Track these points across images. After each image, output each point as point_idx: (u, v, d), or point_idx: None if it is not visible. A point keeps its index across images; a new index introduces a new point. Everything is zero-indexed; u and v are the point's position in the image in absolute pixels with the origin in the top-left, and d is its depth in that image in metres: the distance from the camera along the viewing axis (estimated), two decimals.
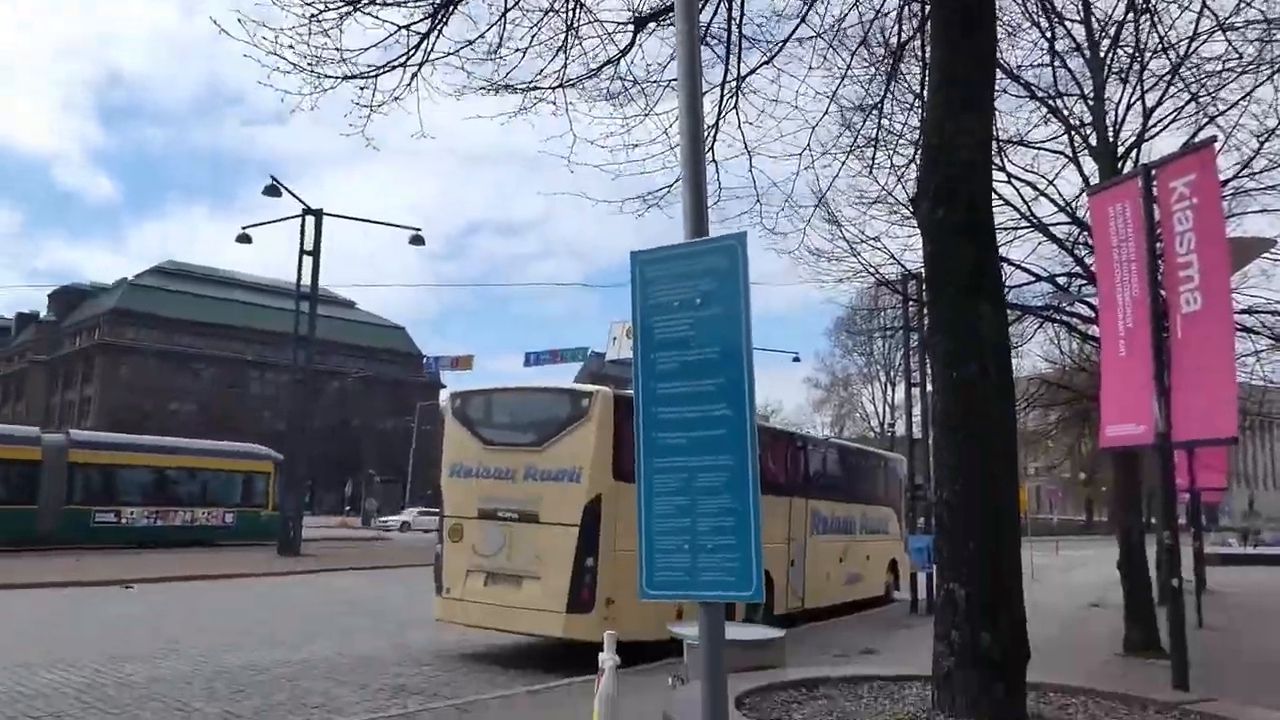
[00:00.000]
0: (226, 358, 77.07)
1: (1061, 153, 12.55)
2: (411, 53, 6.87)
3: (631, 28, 7.48)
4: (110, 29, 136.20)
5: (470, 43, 7.06)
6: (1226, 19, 9.26)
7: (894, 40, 8.64)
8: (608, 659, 3.23)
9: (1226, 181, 10.80)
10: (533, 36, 7.22)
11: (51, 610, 13.53)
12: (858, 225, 12.38)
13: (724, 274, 2.00)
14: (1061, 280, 13.63)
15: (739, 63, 7.78)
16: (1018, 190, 12.20)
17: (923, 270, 15.11)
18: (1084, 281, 13.02)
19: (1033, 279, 13.38)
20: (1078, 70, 11.89)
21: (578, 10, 7.33)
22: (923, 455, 21.21)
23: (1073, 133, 12.28)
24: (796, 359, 49.89)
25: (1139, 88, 11.66)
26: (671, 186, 7.78)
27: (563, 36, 7.35)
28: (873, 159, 9.38)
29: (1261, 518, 66.65)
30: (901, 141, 9.69)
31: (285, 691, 8.40)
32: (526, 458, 10.66)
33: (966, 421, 3.14)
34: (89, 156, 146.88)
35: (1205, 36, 10.23)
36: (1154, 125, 11.95)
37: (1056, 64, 11.66)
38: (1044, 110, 12.28)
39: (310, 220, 27.50)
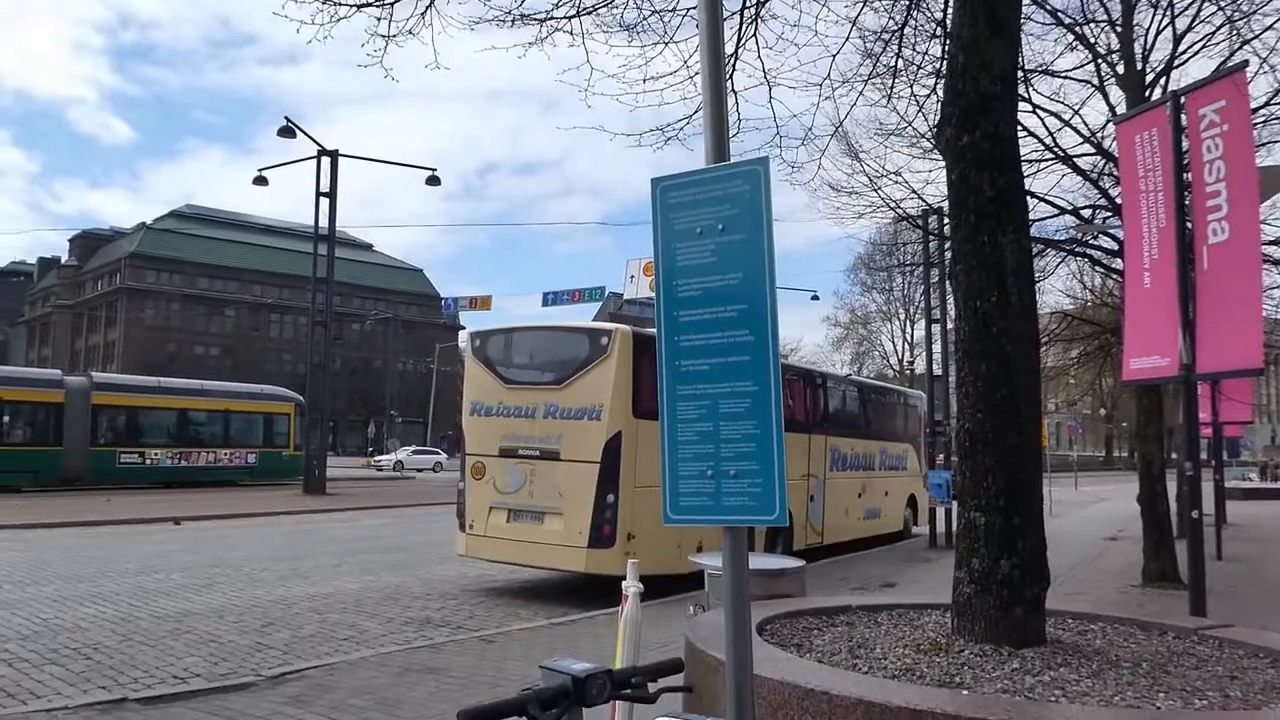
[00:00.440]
0: (247, 301, 77.56)
1: (1088, 82, 12.26)
2: None
3: None
4: None
5: None
6: None
7: None
8: (631, 585, 3.29)
9: (1258, 108, 10.53)
10: None
11: (85, 547, 13.86)
12: (877, 159, 12.20)
13: (747, 199, 1.98)
14: (1085, 213, 13.42)
15: None
16: (1042, 120, 11.95)
17: (943, 205, 14.91)
18: (1108, 214, 12.81)
19: (1056, 212, 13.18)
20: None
21: None
22: (942, 392, 21.21)
23: (1100, 61, 11.98)
24: (815, 297, 49.69)
25: (1169, 12, 11.34)
26: (691, 117, 7.67)
27: None
28: (892, 88, 9.20)
29: None
30: (922, 72, 9.49)
31: (314, 624, 8.60)
32: (546, 396, 10.72)
33: (988, 350, 3.12)
34: (104, 100, 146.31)
35: None
36: (1184, 51, 11.64)
37: None
38: (1070, 38, 11.98)
39: (326, 162, 27.41)
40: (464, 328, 62.04)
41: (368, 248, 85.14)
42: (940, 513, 17.02)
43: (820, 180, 10.93)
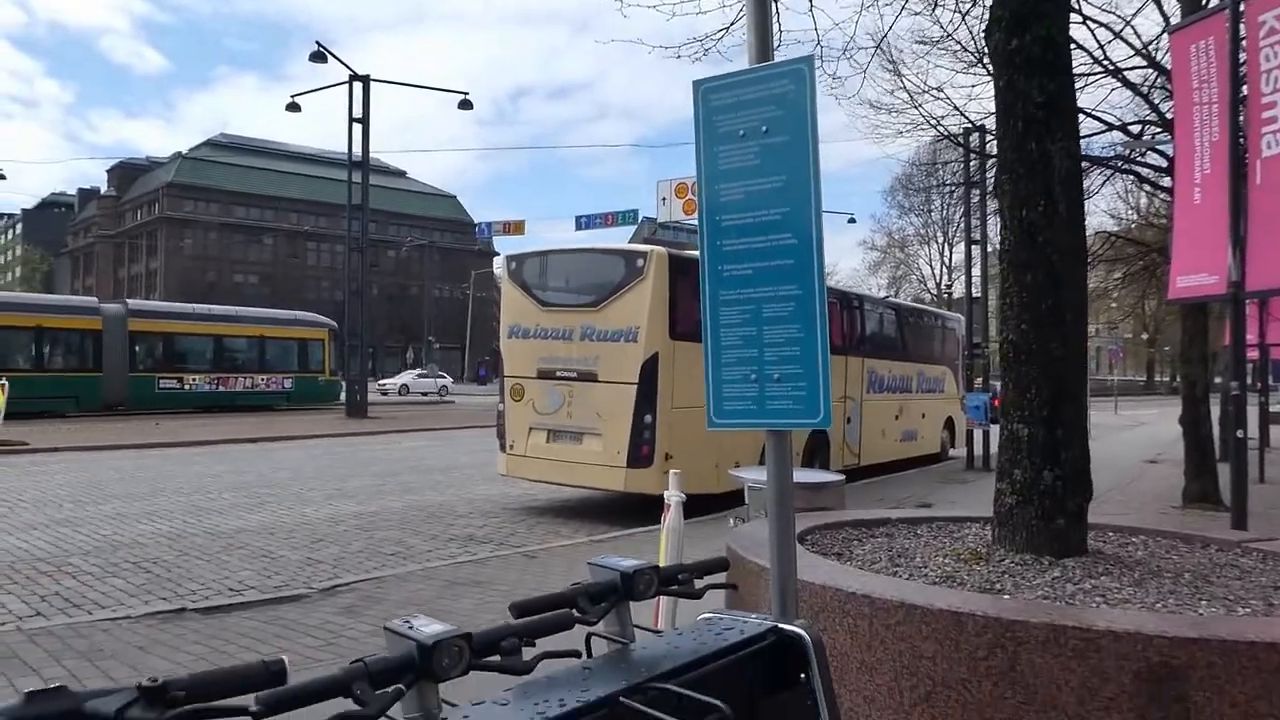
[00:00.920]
0: (284, 229, 78.01)
1: None
2: None
3: None
4: None
5: None
6: None
7: None
8: (673, 495, 3.33)
9: None
10: None
11: (139, 468, 14.28)
12: (919, 75, 11.88)
13: (791, 99, 1.94)
14: (1134, 129, 13.03)
15: None
16: (1092, 32, 11.54)
17: (985, 121, 14.50)
18: (1158, 129, 12.44)
19: (1103, 128, 12.81)
20: None
21: None
22: (981, 315, 20.95)
23: None
24: (852, 220, 48.84)
25: None
26: (730, 27, 7.49)
27: None
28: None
29: None
30: None
31: (361, 541, 8.84)
32: (583, 318, 10.76)
33: (1034, 260, 3.08)
34: (136, 28, 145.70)
35: None
36: None
37: None
38: None
39: (358, 87, 27.22)
40: (498, 254, 62.07)
41: (401, 174, 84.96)
42: (978, 435, 16.97)
43: (860, 98, 10.67)
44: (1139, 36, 12.05)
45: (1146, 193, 18.88)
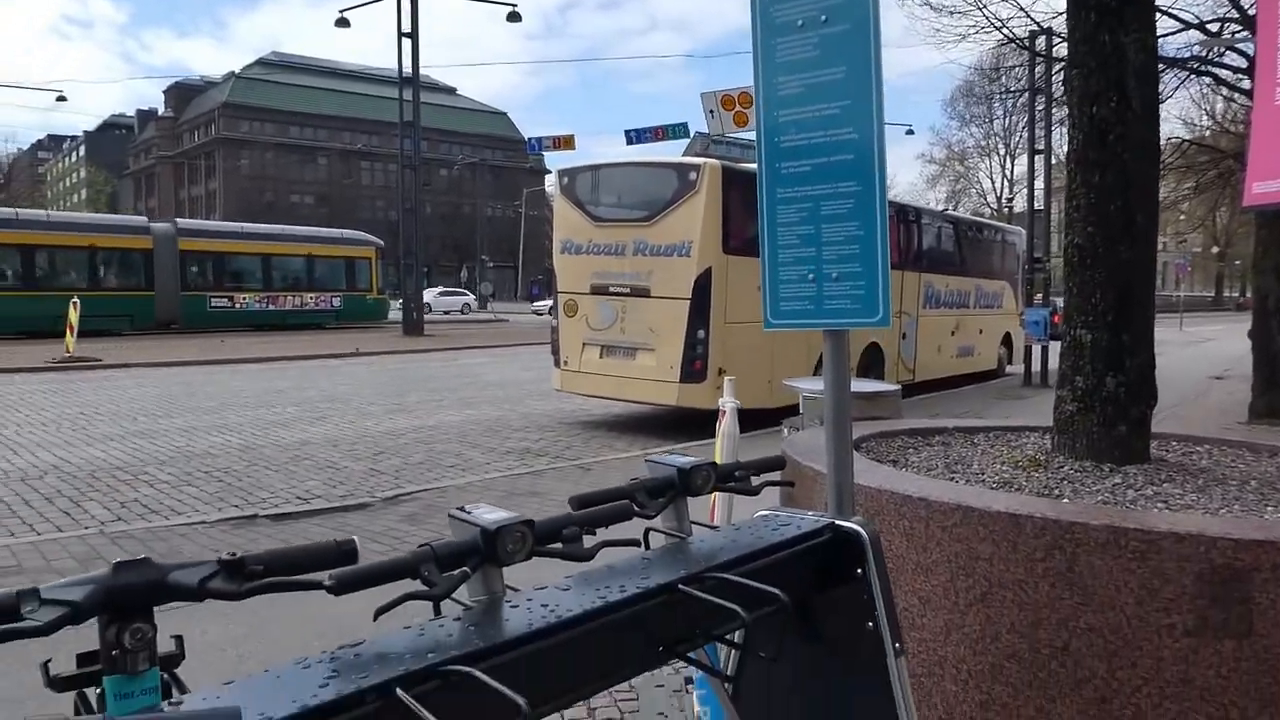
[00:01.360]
0: (338, 148, 78.28)
1: None
2: None
3: None
4: None
5: None
6: None
7: None
8: (728, 401, 3.35)
9: None
10: None
11: (207, 383, 14.71)
12: None
13: None
14: (1212, 27, 12.37)
15: None
16: None
17: (1053, 23, 13.86)
18: (1238, 27, 11.79)
19: (1179, 27, 12.17)
20: None
21: None
22: (1042, 229, 20.41)
23: None
24: (910, 132, 47.59)
25: None
26: None
27: None
28: None
29: None
30: None
31: (421, 453, 9.06)
32: (636, 233, 10.71)
33: (1104, 159, 2.97)
34: None
35: None
36: None
37: None
38: None
39: (406, 1, 26.89)
40: (549, 172, 61.69)
41: (451, 91, 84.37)
42: (1036, 351, 16.70)
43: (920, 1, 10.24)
44: None
45: (1224, 96, 18.02)
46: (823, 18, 1.90)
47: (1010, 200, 54.37)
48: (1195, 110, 22.76)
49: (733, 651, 1.93)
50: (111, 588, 1.00)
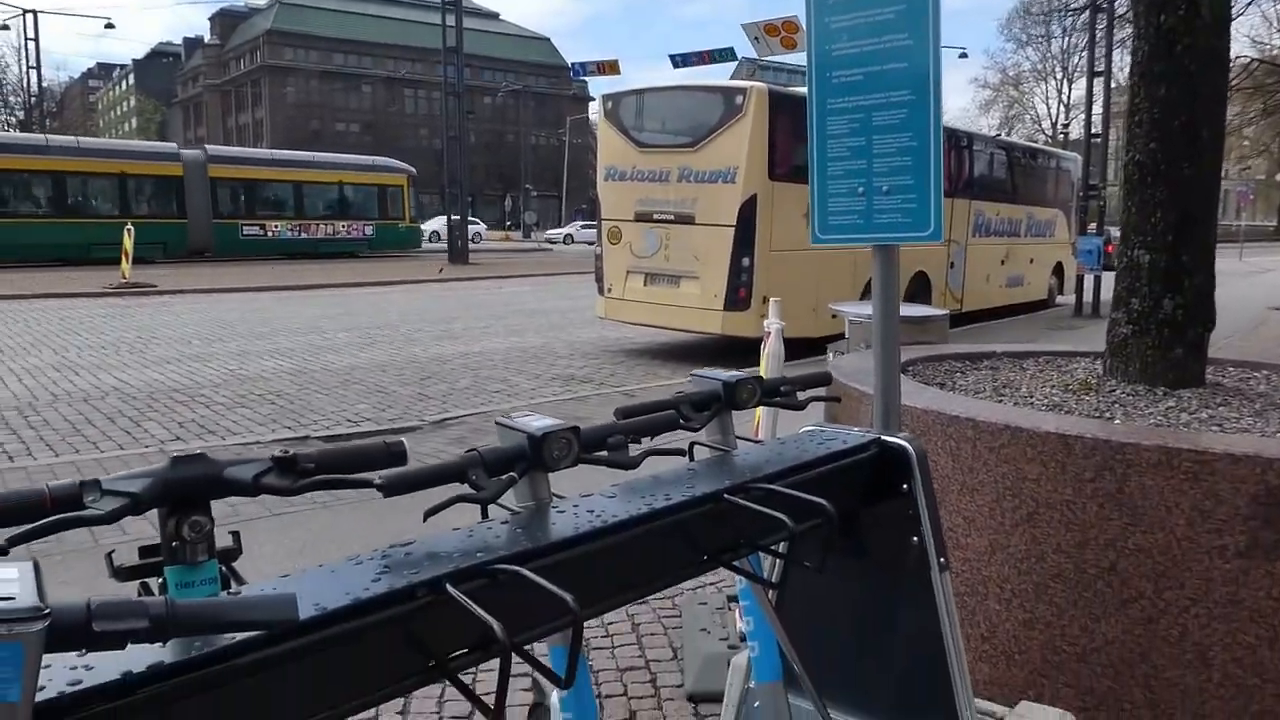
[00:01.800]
0: (382, 76, 77.91)
1: None
2: None
3: None
4: None
5: None
6: None
7: None
8: (774, 322, 3.32)
9: None
10: None
11: (258, 309, 14.96)
12: None
13: None
14: None
15: None
16: None
17: None
18: None
19: None
20: None
21: None
22: (1099, 155, 19.79)
23: None
24: (964, 55, 46.14)
25: None
26: None
27: None
28: None
29: None
30: None
31: (468, 378, 9.16)
32: (681, 159, 10.57)
33: (1170, 71, 2.84)
34: None
35: None
36: None
37: None
38: None
39: None
40: (593, 99, 60.91)
41: (495, 16, 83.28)
42: (1089, 280, 16.34)
43: None
44: None
45: None
46: None
47: (1066, 127, 52.76)
48: (1266, 29, 21.75)
49: (777, 562, 1.95)
50: (170, 480, 1.03)
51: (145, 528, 1.09)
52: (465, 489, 1.27)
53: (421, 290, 19.91)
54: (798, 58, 14.41)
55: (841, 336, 5.17)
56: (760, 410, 3.28)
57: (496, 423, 1.39)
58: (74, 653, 0.87)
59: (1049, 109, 58.83)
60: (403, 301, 17.16)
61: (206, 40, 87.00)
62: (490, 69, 76.44)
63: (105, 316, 13.87)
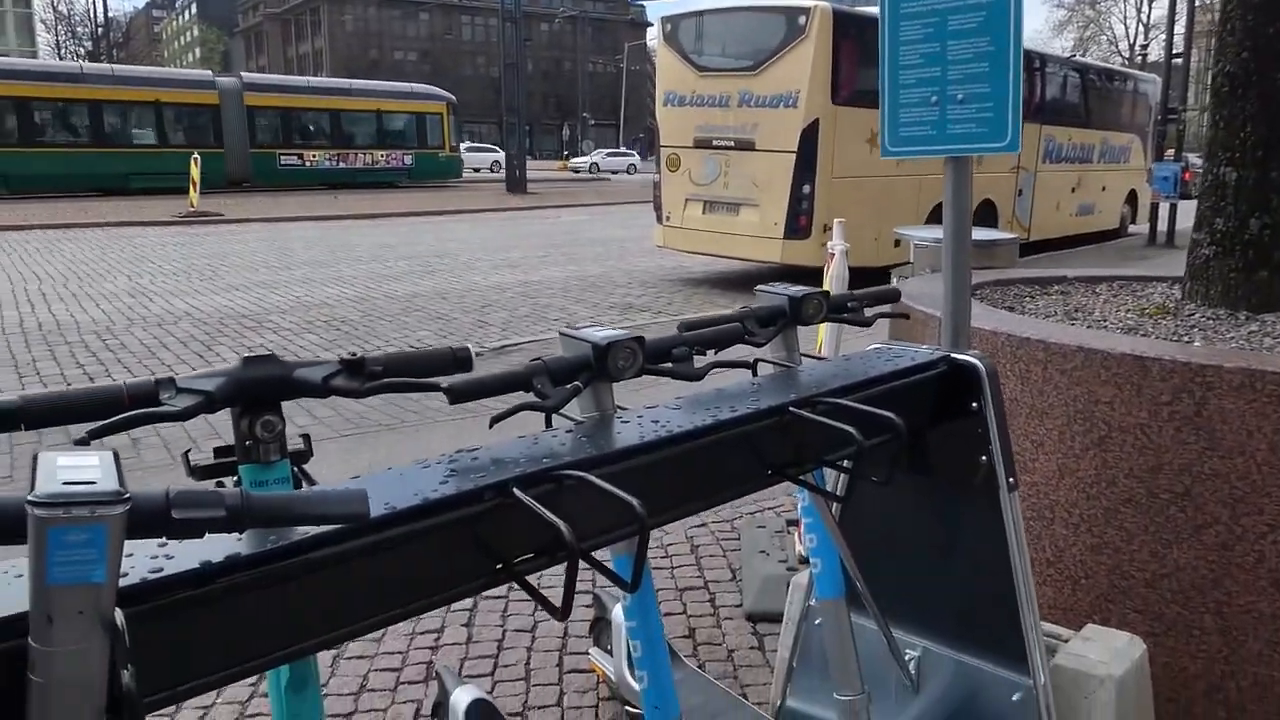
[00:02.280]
0: (439, 3, 77.20)
1: None
2: None
3: None
4: None
5: None
6: None
7: None
8: (838, 244, 3.25)
9: None
10: None
11: (322, 238, 15.16)
12: None
13: None
14: None
15: None
16: None
17: None
18: None
19: None
20: None
21: None
22: (1180, 78, 18.90)
23: None
24: None
25: None
26: None
27: None
28: None
29: None
30: None
31: (526, 307, 9.21)
32: (741, 83, 10.34)
33: None
34: None
35: None
36: None
37: None
38: None
39: None
40: (651, 25, 59.69)
41: None
42: (1164, 209, 15.75)
43: None
44: None
45: None
46: None
47: (1145, 48, 50.35)
48: None
49: (841, 477, 1.93)
50: (242, 379, 1.04)
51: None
52: (530, 398, 1.27)
53: (480, 220, 19.96)
54: None
55: (904, 264, 5.07)
56: (824, 328, 3.23)
57: (560, 333, 1.38)
58: (155, 543, 0.90)
59: (1126, 29, 56.37)
60: (463, 231, 17.23)
61: None
62: None
63: (176, 244, 14.18)
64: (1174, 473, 2.17)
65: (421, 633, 2.96)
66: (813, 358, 1.78)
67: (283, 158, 28.96)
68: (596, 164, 49.60)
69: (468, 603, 3.14)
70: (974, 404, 1.75)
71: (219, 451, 1.11)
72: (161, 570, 0.85)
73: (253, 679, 2.68)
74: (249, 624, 0.90)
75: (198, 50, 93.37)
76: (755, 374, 1.67)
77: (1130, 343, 2.32)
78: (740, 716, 2.20)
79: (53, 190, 24.38)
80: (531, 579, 1.11)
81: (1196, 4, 17.00)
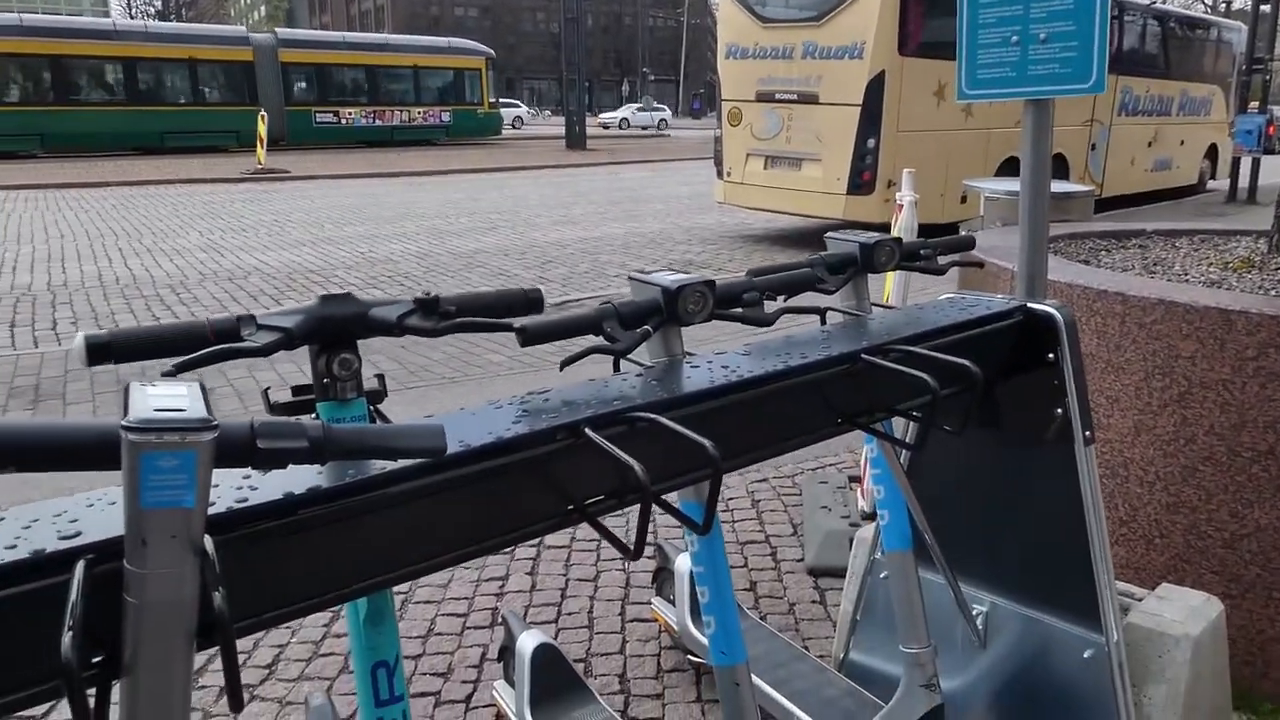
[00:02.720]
0: None
1: None
2: None
3: None
4: None
5: None
6: None
7: None
8: (906, 195, 3.18)
9: None
10: None
11: (386, 194, 15.31)
12: None
13: None
14: None
15: None
16: None
17: None
18: None
19: None
20: None
21: None
22: (1267, 25, 18.03)
23: None
24: None
25: None
26: None
27: None
28: None
29: None
30: None
31: (587, 263, 9.21)
32: (805, 34, 10.12)
33: None
34: None
35: None
36: None
37: None
38: None
39: None
40: None
41: None
42: (1245, 164, 15.11)
43: None
44: None
45: None
46: None
47: None
48: None
49: (911, 427, 1.91)
50: (321, 317, 1.05)
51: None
52: (600, 342, 1.27)
53: (540, 176, 19.97)
54: None
55: (970, 220, 4.95)
56: (891, 278, 3.17)
57: (630, 277, 1.37)
58: (239, 475, 0.92)
59: None
60: (524, 187, 17.26)
61: None
62: None
63: (244, 201, 14.45)
64: (1258, 430, 2.10)
65: (486, 580, 3.01)
66: (882, 307, 1.75)
67: (318, 115, 28.20)
68: (627, 119, 47.77)
69: (531, 551, 3.19)
70: (1050, 355, 1.71)
71: (297, 390, 1.13)
72: (246, 500, 0.87)
73: (326, 618, 2.76)
74: (330, 555, 0.92)
75: (263, 8, 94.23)
76: (824, 322, 1.64)
77: (1214, 295, 2.24)
78: (802, 667, 2.21)
79: (87, 149, 24.29)
80: (589, 531, 1.11)
81: None
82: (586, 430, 1.07)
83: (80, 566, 0.75)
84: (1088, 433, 1.70)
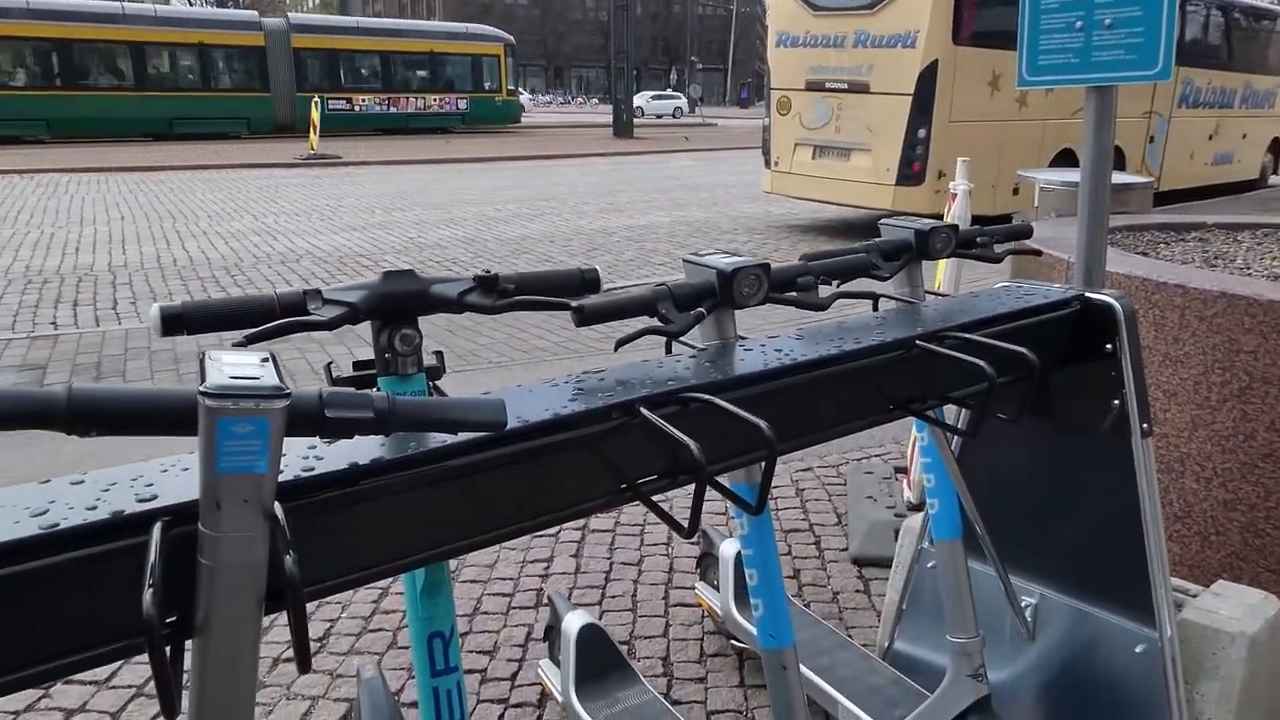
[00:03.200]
0: None
1: None
2: None
3: None
4: None
5: None
6: None
7: None
8: (960, 184, 3.14)
9: None
10: None
11: (434, 181, 15.44)
12: None
13: None
14: None
15: None
16: None
17: None
18: None
19: None
20: None
21: None
22: None
23: None
24: None
25: None
26: None
27: None
28: None
29: None
30: None
31: (632, 250, 9.22)
32: (857, 22, 10.00)
33: None
34: None
35: None
36: None
37: None
38: None
39: None
40: None
41: None
42: None
43: None
44: None
45: None
46: None
47: None
48: None
49: (963, 414, 1.89)
50: (383, 292, 1.07)
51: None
52: (654, 323, 1.28)
53: (587, 164, 20.00)
54: None
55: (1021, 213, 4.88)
56: (943, 266, 3.14)
57: (685, 260, 1.38)
58: (306, 445, 0.95)
59: None
60: (570, 175, 17.31)
61: None
62: None
63: (297, 186, 14.67)
64: None
65: (531, 561, 3.05)
66: (936, 294, 1.74)
67: (330, 102, 26.89)
68: (641, 108, 45.73)
69: (576, 534, 3.21)
70: (1108, 345, 1.68)
71: (358, 365, 1.16)
72: (313, 469, 0.89)
73: (375, 594, 2.81)
74: (391, 525, 0.94)
75: None
76: (876, 308, 1.64)
77: (1278, 289, 2.19)
78: (846, 655, 2.21)
79: (94, 135, 23.95)
80: (633, 515, 1.12)
81: None
82: (642, 409, 1.08)
83: (158, 528, 0.78)
84: (1145, 425, 1.68)
